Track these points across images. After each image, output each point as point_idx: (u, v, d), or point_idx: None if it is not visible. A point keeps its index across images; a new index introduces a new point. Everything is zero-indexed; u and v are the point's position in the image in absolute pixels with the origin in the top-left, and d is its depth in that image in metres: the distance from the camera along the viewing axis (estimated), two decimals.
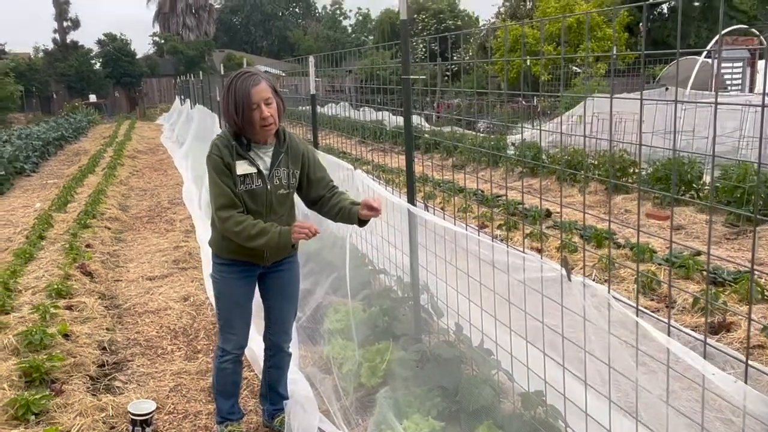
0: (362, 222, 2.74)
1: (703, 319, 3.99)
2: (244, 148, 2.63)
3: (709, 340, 1.85)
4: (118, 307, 5.03)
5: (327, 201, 2.83)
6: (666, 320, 1.78)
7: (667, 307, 4.13)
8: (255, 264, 2.80)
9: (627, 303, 2.12)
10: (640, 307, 2.09)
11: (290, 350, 3.09)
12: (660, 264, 5.07)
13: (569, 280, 2.09)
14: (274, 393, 3.10)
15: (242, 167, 2.61)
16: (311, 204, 2.89)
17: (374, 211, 2.66)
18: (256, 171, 2.63)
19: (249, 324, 2.91)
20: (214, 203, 2.63)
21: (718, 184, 6.75)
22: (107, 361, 4.03)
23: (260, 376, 3.34)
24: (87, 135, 22.18)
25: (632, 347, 1.93)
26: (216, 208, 2.61)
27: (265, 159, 2.68)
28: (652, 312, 4.00)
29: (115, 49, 35.28)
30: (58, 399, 3.31)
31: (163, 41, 41.21)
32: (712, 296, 4.22)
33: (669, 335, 1.70)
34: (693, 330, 3.86)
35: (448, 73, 23.50)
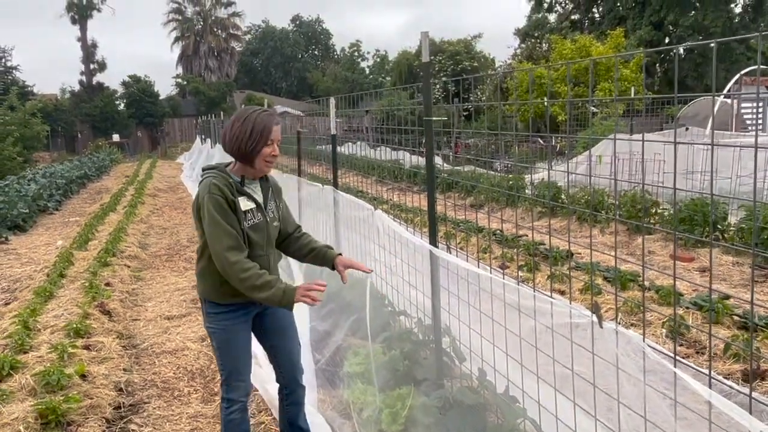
0: (335, 266, 2.80)
1: (736, 366, 3.85)
2: (241, 184, 2.67)
3: (745, 389, 1.76)
4: (136, 347, 4.99)
5: (296, 240, 2.89)
6: (705, 371, 1.70)
7: (697, 353, 4.00)
8: (253, 303, 2.74)
9: (662, 351, 2.04)
10: (674, 355, 2.00)
11: (304, 383, 3.03)
12: (688, 308, 4.94)
13: (601, 326, 2.02)
14: (295, 428, 3.03)
15: (244, 203, 2.63)
16: (278, 243, 2.88)
17: (349, 269, 2.79)
18: (255, 205, 2.67)
19: (251, 366, 2.88)
20: (220, 243, 2.50)
21: (743, 226, 6.62)
22: (123, 403, 3.98)
23: (278, 418, 3.26)
24: (109, 173, 22.60)
25: (668, 398, 1.84)
26: (223, 248, 2.50)
27: (258, 194, 2.72)
28: (682, 358, 3.87)
29: (138, 90, 36.18)
30: None
31: (185, 82, 42.20)
32: (744, 342, 4.08)
33: (710, 387, 1.62)
34: (725, 377, 3.72)
35: (465, 113, 23.70)
